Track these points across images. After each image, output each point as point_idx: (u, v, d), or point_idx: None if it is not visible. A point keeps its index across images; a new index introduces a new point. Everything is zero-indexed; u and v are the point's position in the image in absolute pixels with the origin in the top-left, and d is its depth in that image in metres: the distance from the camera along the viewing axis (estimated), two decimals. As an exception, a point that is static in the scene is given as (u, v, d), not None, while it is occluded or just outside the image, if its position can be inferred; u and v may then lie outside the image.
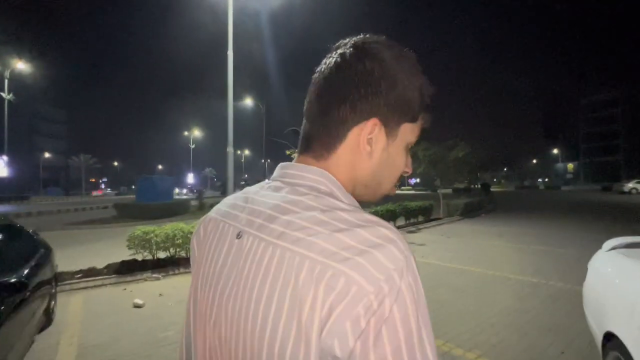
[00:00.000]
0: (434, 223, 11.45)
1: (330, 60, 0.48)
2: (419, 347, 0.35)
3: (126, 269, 5.34)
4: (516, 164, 74.07)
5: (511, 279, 4.88)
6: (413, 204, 11.02)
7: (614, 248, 2.41)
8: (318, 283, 0.36)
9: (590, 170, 67.93)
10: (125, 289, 4.76)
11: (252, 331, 0.40)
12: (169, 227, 5.66)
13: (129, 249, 5.47)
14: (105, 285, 4.95)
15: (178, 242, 5.57)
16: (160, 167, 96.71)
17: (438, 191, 14.05)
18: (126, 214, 14.91)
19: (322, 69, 0.49)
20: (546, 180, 70.35)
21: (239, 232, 0.46)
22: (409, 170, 0.53)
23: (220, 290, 0.45)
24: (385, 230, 0.39)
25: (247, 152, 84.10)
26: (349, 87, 0.45)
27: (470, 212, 13.74)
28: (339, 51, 0.48)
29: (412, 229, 10.22)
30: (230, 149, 6.73)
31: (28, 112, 65.26)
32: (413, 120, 0.49)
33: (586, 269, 2.52)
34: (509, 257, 6.34)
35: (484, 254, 6.69)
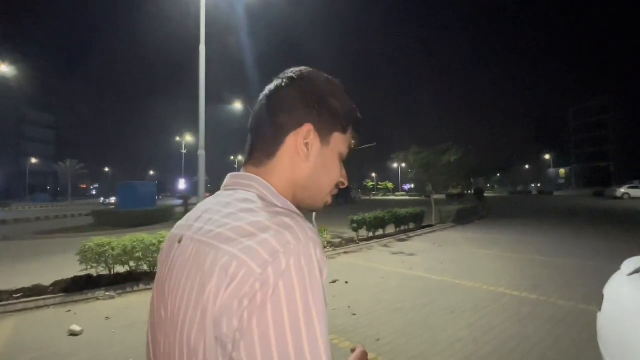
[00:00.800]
0: (425, 230, 10.96)
1: (273, 83, 0.56)
2: (306, 324, 0.37)
3: (77, 287, 4.73)
4: (509, 169, 74.18)
5: (507, 296, 4.37)
6: (403, 211, 10.52)
7: (638, 271, 1.91)
8: (217, 268, 0.40)
9: (582, 175, 68.30)
10: (69, 311, 4.15)
11: (174, 326, 0.44)
12: (128, 238, 5.05)
13: (80, 263, 4.85)
14: (49, 306, 4.33)
15: (137, 255, 4.97)
16: (152, 172, 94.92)
17: (431, 197, 13.64)
18: (105, 221, 14.16)
19: (266, 91, 0.56)
20: (539, 185, 70.43)
21: (180, 237, 0.50)
22: (345, 182, 0.59)
23: (160, 296, 0.49)
24: (286, 218, 0.43)
25: (240, 157, 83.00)
26: (287, 100, 0.53)
27: (463, 218, 13.31)
28: (280, 77, 0.56)
29: (403, 237, 9.70)
30: (202, 152, 6.17)
31: (14, 117, 63.79)
32: (343, 131, 0.56)
33: (593, 284, 2.05)
34: (504, 268, 5.84)
35: (478, 265, 6.18)
